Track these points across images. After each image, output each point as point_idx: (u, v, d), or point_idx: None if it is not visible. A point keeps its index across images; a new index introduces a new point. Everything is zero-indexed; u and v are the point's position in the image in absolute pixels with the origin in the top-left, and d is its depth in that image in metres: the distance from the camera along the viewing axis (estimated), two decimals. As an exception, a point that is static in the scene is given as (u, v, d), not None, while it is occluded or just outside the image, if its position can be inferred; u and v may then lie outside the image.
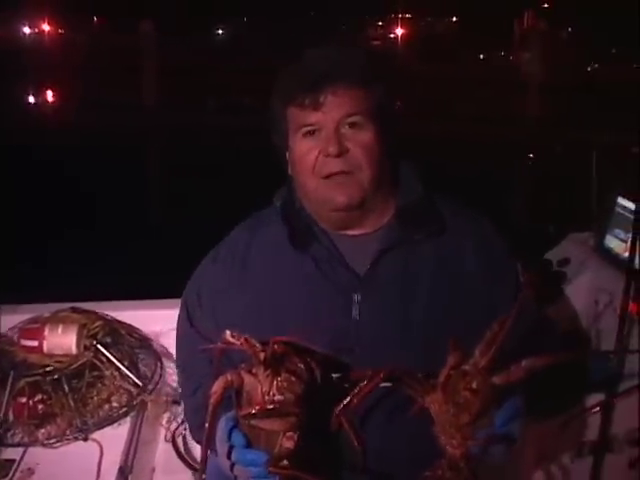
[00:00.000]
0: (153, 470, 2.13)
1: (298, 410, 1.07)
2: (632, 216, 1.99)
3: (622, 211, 2.15)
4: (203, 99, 17.94)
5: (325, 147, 1.21)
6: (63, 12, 30.35)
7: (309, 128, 1.23)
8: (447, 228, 1.31)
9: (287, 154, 1.32)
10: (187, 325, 1.41)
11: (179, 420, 2.23)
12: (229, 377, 1.06)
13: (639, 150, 2.02)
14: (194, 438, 1.40)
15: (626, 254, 2.05)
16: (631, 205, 2.07)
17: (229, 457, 1.11)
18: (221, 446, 1.12)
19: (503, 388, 1.01)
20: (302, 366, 1.09)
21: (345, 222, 1.30)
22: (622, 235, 2.15)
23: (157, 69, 16.83)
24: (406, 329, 1.23)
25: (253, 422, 1.09)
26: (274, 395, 1.06)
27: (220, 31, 36.85)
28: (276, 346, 1.05)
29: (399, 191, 1.33)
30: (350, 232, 1.31)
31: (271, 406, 1.05)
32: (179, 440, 2.10)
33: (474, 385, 1.00)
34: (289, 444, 1.07)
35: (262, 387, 1.07)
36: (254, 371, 1.08)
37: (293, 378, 1.07)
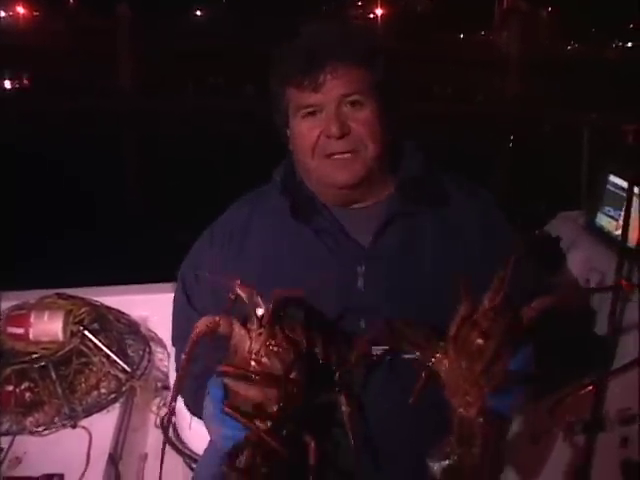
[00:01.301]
0: (145, 456, 2.12)
1: (282, 383, 0.99)
2: (624, 194, 1.99)
3: (613, 189, 2.15)
4: (181, 83, 17.76)
5: (327, 128, 1.19)
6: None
7: (309, 109, 1.21)
8: (448, 200, 1.30)
9: (287, 131, 1.30)
10: (184, 302, 1.39)
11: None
12: (217, 319, 0.98)
13: (631, 128, 2.01)
14: (187, 404, 1.37)
15: (617, 232, 2.06)
16: (623, 183, 2.08)
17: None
18: (208, 405, 1.10)
19: (514, 332, 0.99)
20: (302, 336, 1.03)
21: (347, 198, 1.29)
22: (613, 213, 2.15)
23: (133, 52, 16.66)
24: (411, 299, 1.23)
25: (231, 383, 1.02)
26: (261, 356, 0.98)
27: (198, 12, 36.49)
28: (278, 304, 0.99)
29: (400, 166, 1.31)
30: (351, 206, 1.30)
31: (253, 368, 0.98)
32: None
33: (485, 329, 0.98)
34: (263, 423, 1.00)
35: (251, 344, 0.99)
36: (248, 325, 1.00)
37: (286, 345, 1.00)
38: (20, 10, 31.77)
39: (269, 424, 1.00)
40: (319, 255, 1.26)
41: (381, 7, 37.34)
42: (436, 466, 1.06)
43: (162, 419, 2.13)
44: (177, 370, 1.42)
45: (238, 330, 0.99)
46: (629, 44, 35.15)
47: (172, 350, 2.37)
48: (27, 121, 11.39)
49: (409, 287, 1.24)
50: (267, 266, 1.28)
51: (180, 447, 1.96)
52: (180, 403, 1.86)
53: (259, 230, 1.32)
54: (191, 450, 1.95)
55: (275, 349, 0.99)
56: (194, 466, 1.92)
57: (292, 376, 1.01)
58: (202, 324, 0.96)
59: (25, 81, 20.74)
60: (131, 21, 17.11)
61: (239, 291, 0.99)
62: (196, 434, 1.84)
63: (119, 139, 12.04)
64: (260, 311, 0.99)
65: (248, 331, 0.99)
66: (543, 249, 2.18)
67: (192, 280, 1.38)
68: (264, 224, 1.32)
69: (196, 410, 1.24)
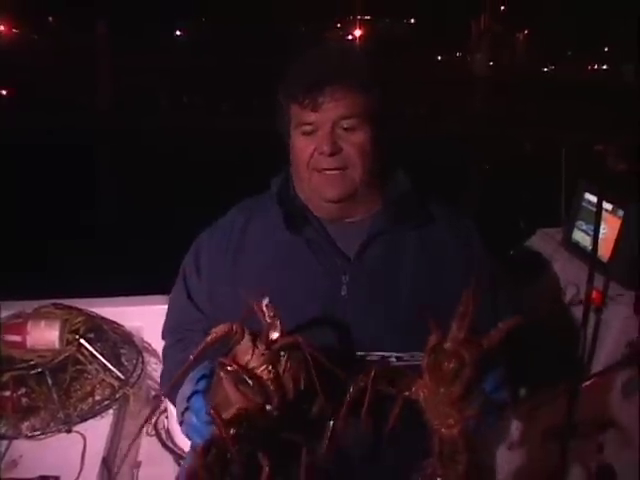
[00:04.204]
0: (139, 464, 2.16)
1: (265, 403, 1.02)
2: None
3: (588, 206, 2.26)
4: (160, 100, 17.74)
5: (320, 145, 1.29)
6: (18, 11, 29.67)
7: (307, 128, 1.31)
8: (430, 220, 1.41)
9: (288, 142, 1.40)
10: (184, 297, 1.47)
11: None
12: (235, 327, 1.02)
13: (602, 148, 2.12)
14: (163, 385, 1.45)
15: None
16: (596, 199, 2.18)
17: (188, 401, 1.15)
18: (187, 387, 1.16)
19: (487, 355, 1.03)
20: (297, 378, 1.06)
21: (336, 212, 1.38)
22: (587, 228, 2.26)
23: (112, 71, 16.65)
24: (390, 308, 1.32)
25: (221, 379, 1.04)
26: (255, 373, 1.02)
27: (178, 32, 36.52)
28: (292, 342, 1.03)
29: (388, 185, 1.41)
30: (340, 220, 1.40)
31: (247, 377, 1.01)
32: (162, 431, 2.12)
33: (460, 355, 1.02)
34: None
35: (250, 358, 1.03)
36: (257, 341, 1.04)
37: (278, 377, 1.03)
38: None
39: (234, 431, 1.02)
40: (308, 263, 1.35)
41: (360, 29, 37.66)
42: None
43: (156, 420, 2.16)
44: (164, 358, 1.49)
45: (246, 341, 1.04)
46: (604, 66, 35.95)
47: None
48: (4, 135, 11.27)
49: (389, 298, 1.33)
50: (260, 271, 1.37)
51: (175, 449, 2.00)
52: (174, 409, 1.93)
53: (255, 237, 1.42)
54: (183, 450, 1.99)
55: (267, 375, 1.03)
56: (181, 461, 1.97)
57: (267, 408, 1.04)
58: (221, 329, 1.02)
59: (4, 97, 20.56)
60: (110, 39, 17.11)
61: (265, 309, 1.04)
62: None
63: (96, 155, 11.99)
64: (274, 335, 1.04)
65: (254, 346, 1.04)
66: (521, 266, 2.27)
67: (193, 276, 1.46)
68: (260, 232, 1.42)
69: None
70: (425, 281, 1.34)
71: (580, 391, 1.83)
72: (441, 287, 1.33)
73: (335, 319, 1.29)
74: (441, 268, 1.36)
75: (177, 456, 2.00)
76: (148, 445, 2.23)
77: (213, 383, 1.10)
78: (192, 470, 1.02)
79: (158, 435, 2.02)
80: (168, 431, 2.05)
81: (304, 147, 1.32)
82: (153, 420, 2.19)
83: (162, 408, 2.17)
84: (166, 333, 1.51)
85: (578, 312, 2.09)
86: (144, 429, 2.28)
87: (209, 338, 1.01)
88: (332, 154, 1.28)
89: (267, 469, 1.05)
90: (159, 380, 2.36)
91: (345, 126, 1.29)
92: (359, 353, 1.28)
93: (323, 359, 1.05)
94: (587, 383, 1.92)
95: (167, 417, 2.01)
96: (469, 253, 1.39)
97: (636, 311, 1.98)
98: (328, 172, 1.31)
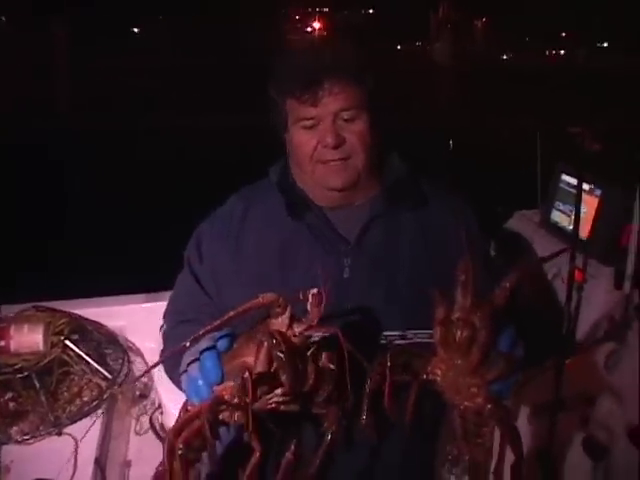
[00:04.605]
0: (129, 463, 2.15)
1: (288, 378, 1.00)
2: (575, 190, 2.14)
3: (565, 187, 2.32)
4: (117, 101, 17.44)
5: (323, 139, 1.31)
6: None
7: (308, 122, 1.33)
8: (427, 201, 1.44)
9: (285, 135, 1.41)
10: (193, 282, 1.46)
11: (149, 412, 2.28)
12: (281, 300, 1.01)
13: (577, 130, 2.17)
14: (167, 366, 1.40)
15: (571, 227, 2.21)
16: (573, 180, 2.24)
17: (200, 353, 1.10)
18: (204, 341, 1.10)
19: (496, 315, 1.01)
20: (326, 368, 1.05)
21: (338, 199, 1.41)
22: (565, 208, 2.32)
23: (69, 70, 16.39)
24: (392, 288, 1.35)
25: (268, 343, 1.01)
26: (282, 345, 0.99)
27: (136, 30, 36.04)
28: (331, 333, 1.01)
29: (385, 171, 1.45)
30: (340, 207, 1.42)
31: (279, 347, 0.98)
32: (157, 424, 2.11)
33: (471, 322, 1.00)
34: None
35: (286, 332, 1.01)
36: (296, 322, 1.02)
37: (303, 362, 1.02)
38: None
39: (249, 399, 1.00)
40: (310, 248, 1.38)
41: (318, 20, 37.65)
42: (452, 476, 1.11)
43: (151, 416, 2.15)
44: (167, 339, 1.47)
45: (284, 318, 1.02)
46: (562, 52, 36.62)
47: (151, 359, 2.43)
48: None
49: (390, 278, 1.37)
50: (262, 257, 1.39)
51: (161, 434, 1.99)
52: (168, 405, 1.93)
53: (255, 224, 1.43)
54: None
55: (291, 359, 1.00)
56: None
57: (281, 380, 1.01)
58: (268, 297, 1.00)
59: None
60: (66, 38, 16.83)
61: (310, 297, 1.02)
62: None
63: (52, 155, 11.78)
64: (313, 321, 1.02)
65: (290, 326, 1.02)
66: (502, 247, 2.31)
67: (197, 263, 1.47)
68: (260, 218, 1.44)
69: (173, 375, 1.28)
70: (424, 260, 1.38)
71: (565, 367, 1.87)
72: (440, 264, 1.34)
73: (338, 301, 1.29)
74: (439, 246, 1.39)
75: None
76: (137, 445, 2.23)
77: (234, 349, 1.08)
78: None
79: (153, 429, 2.02)
80: (162, 426, 2.04)
81: (306, 141, 1.34)
82: (148, 416, 2.17)
83: (156, 405, 2.16)
84: (171, 316, 1.51)
85: (559, 290, 2.15)
86: (133, 428, 2.28)
87: (253, 302, 1.00)
88: (337, 146, 1.31)
89: (258, 454, 1.02)
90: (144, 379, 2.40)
91: (345, 117, 1.31)
92: (366, 335, 1.27)
93: (358, 355, 1.03)
94: (572, 359, 1.96)
95: (162, 413, 2.01)
96: (464, 230, 1.41)
97: (616, 286, 2.04)
98: (332, 163, 1.34)
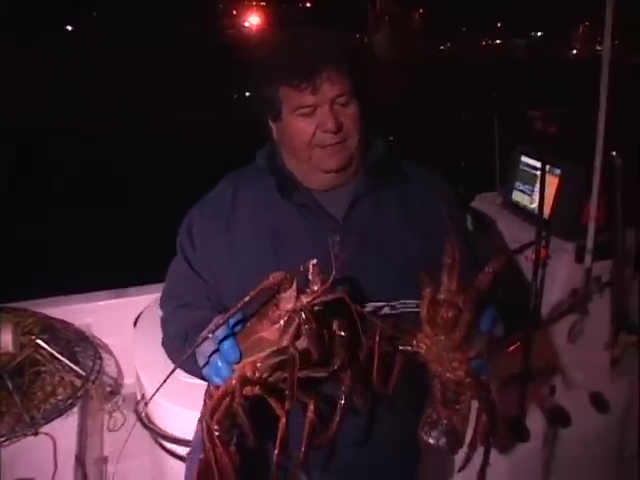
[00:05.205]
0: (106, 459, 2.13)
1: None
2: (536, 172, 2.23)
3: (525, 168, 2.40)
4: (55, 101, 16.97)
5: (323, 124, 1.36)
6: None
7: (306, 110, 1.37)
8: (408, 179, 1.51)
9: (272, 124, 1.45)
10: (186, 267, 1.48)
11: (121, 409, 2.28)
12: (287, 275, 1.04)
13: (537, 114, 2.26)
14: (169, 350, 1.43)
15: (532, 206, 2.30)
16: (534, 162, 2.32)
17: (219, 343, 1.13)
18: (220, 331, 1.12)
19: (480, 298, 1.07)
20: (337, 336, 1.08)
21: (330, 181, 1.46)
22: (526, 189, 2.40)
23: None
24: (379, 263, 1.41)
25: (298, 315, 1.05)
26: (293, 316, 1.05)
27: (70, 27, 35.01)
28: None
29: (367, 152, 1.50)
30: (327, 189, 1.47)
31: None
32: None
33: (456, 304, 1.06)
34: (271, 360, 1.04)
35: (292, 308, 1.05)
36: (303, 293, 1.05)
37: (313, 338, 1.04)
38: None
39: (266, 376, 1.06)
40: (300, 226, 1.42)
41: (256, 15, 37.34)
42: (430, 438, 1.14)
43: (135, 407, 2.13)
44: (166, 323, 1.48)
45: (292, 291, 1.06)
46: (497, 41, 37.45)
47: (120, 355, 2.42)
48: None
49: (377, 253, 1.42)
50: (253, 235, 1.43)
51: (158, 430, 1.98)
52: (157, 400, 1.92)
53: (245, 206, 1.46)
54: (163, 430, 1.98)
55: (305, 329, 1.04)
56: (164, 443, 1.97)
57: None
58: (277, 276, 1.04)
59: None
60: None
61: (311, 267, 1.07)
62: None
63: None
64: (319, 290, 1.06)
65: (297, 297, 1.06)
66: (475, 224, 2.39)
67: (189, 248, 1.49)
68: (250, 201, 1.47)
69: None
70: (408, 233, 1.44)
71: (533, 340, 1.95)
72: (423, 237, 1.43)
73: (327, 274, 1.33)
74: (421, 220, 1.46)
75: (157, 435, 1.98)
76: (112, 441, 2.23)
77: (248, 327, 1.11)
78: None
79: (140, 419, 2.00)
80: (147, 416, 2.03)
81: (305, 127, 1.37)
82: (132, 407, 2.16)
83: (139, 397, 2.16)
84: (167, 301, 1.51)
85: (523, 267, 2.23)
86: (106, 425, 2.26)
87: (265, 282, 1.03)
88: (337, 131, 1.36)
89: (284, 420, 1.06)
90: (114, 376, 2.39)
91: (341, 102, 1.36)
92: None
93: (368, 315, 1.10)
94: (538, 331, 2.04)
95: (146, 404, 2.00)
96: (443, 205, 1.47)
97: (577, 260, 2.13)
98: (331, 147, 1.39)
